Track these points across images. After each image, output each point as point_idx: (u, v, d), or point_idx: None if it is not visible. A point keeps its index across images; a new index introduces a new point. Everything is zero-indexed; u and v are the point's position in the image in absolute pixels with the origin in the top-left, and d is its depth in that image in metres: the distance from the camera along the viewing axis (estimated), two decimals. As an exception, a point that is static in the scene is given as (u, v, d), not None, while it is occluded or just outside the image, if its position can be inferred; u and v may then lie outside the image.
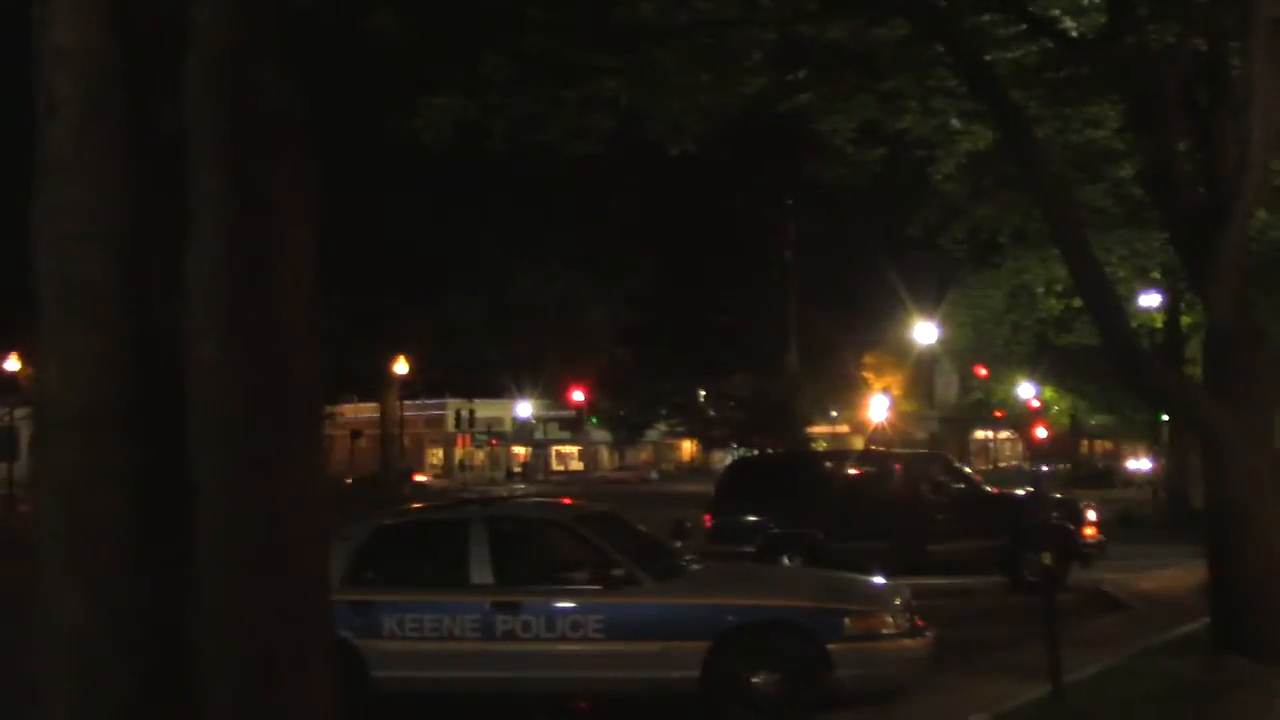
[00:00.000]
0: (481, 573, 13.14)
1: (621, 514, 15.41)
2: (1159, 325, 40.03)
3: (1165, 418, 44.45)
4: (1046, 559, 12.88)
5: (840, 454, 38.94)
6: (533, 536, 14.20)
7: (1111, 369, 19.36)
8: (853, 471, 26.92)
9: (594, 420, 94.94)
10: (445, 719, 13.87)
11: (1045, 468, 74.67)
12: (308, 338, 4.73)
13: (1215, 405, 13.78)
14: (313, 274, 4.76)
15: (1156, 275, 34.44)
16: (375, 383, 65.33)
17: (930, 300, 54.51)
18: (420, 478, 70.22)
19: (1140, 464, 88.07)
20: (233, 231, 4.53)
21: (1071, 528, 23.67)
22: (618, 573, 12.87)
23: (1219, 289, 13.92)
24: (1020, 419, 76.66)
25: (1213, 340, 14.41)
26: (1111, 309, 14.87)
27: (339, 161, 46.10)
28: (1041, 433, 74.39)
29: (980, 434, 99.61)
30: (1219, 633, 13.96)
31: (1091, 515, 24.51)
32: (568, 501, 18.56)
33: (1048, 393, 68.55)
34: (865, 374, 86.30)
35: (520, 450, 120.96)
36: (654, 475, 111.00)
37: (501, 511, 14.67)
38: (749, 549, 23.82)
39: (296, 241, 4.69)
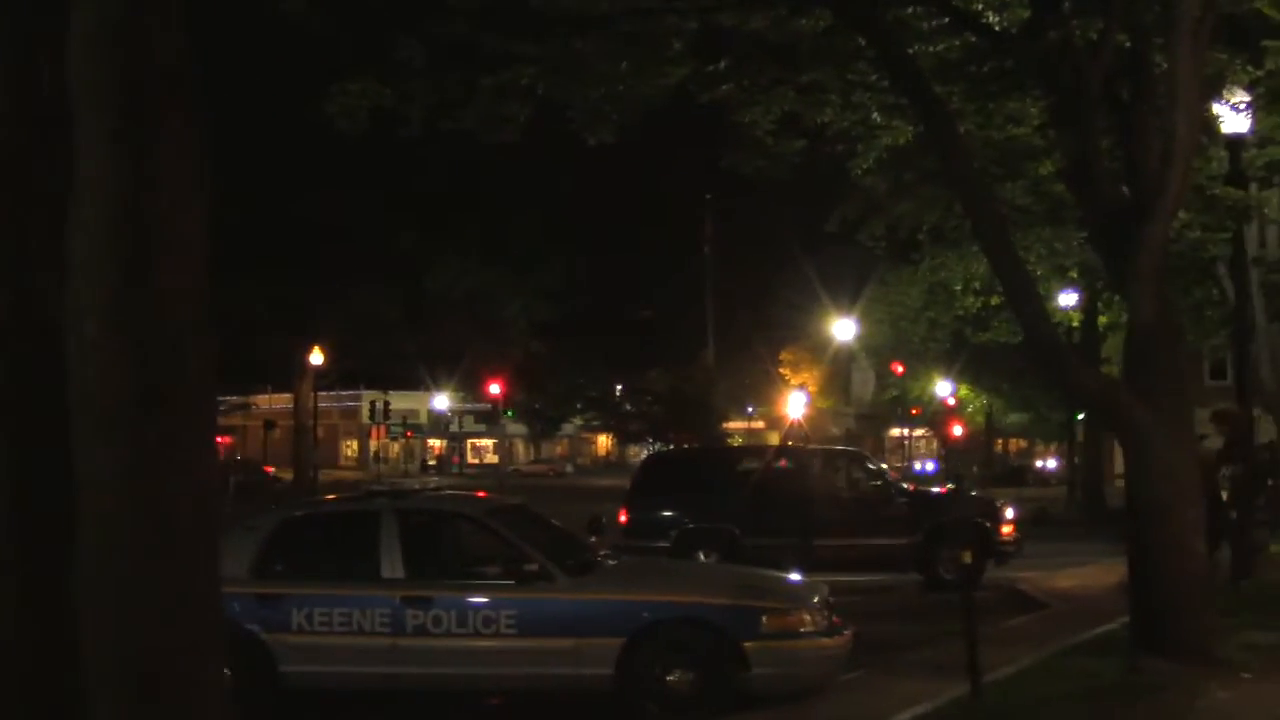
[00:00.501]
0: (392, 566, 12.83)
1: (535, 508, 15.16)
2: (1076, 324, 40.22)
3: (1081, 416, 44.73)
4: (967, 557, 12.71)
5: (756, 449, 38.79)
6: (444, 530, 13.94)
7: (1031, 365, 19.32)
8: (769, 467, 26.78)
9: (509, 413, 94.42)
10: (357, 715, 13.52)
11: (919, 466, 74.42)
12: (199, 320, 4.42)
13: (1137, 403, 13.69)
14: (204, 249, 4.44)
15: (1074, 274, 34.61)
16: (289, 373, 64.55)
17: (848, 297, 54.60)
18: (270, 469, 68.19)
19: (1049, 463, 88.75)
20: (117, 198, 4.22)
21: (989, 525, 23.58)
22: (530, 568, 12.58)
23: (1140, 287, 13.81)
24: (936, 417, 76.98)
25: (1134, 338, 14.30)
26: (1032, 305, 14.73)
27: (250, 148, 45.70)
28: (957, 430, 74.72)
29: (896, 431, 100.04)
30: (1138, 633, 13.86)
31: (1009, 513, 24.49)
32: (481, 495, 18.24)
33: (963, 390, 68.89)
34: (782, 370, 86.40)
35: (435, 443, 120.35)
36: (569, 469, 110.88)
37: (413, 504, 14.34)
38: (664, 544, 23.63)
39: (186, 212, 4.37)
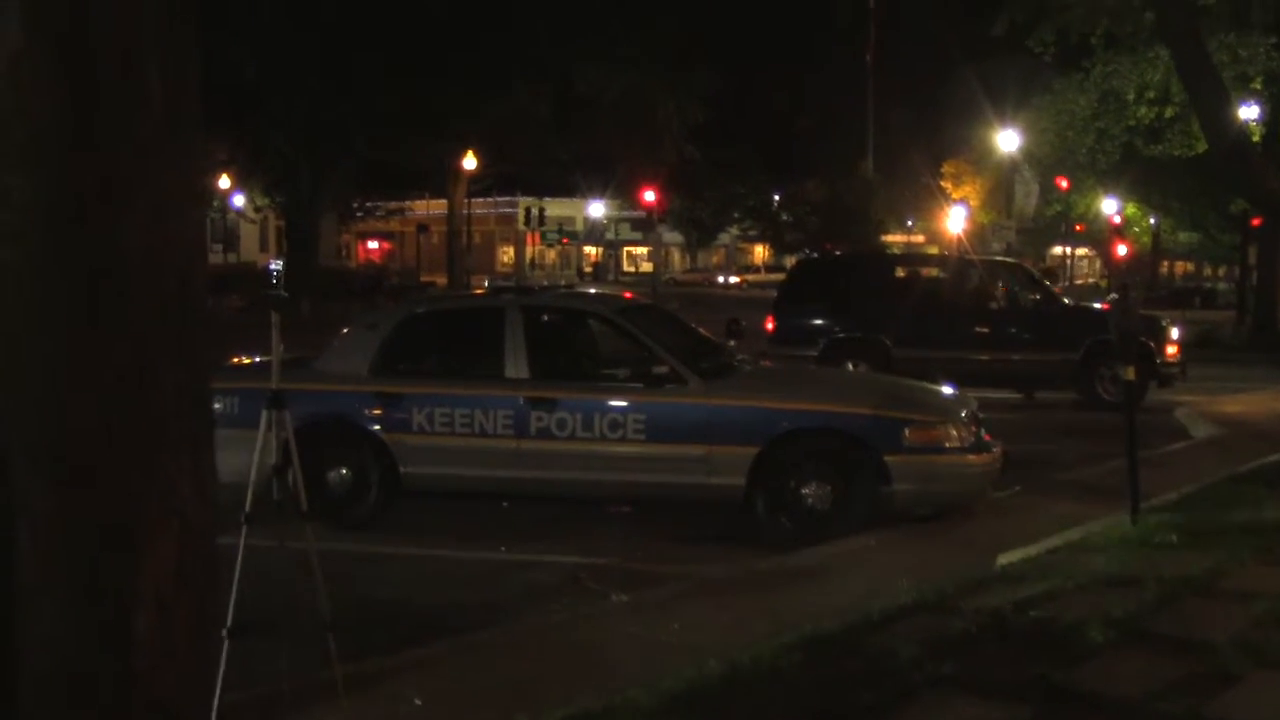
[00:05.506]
0: (516, 366, 12.25)
1: (668, 308, 14.42)
2: (1256, 139, 38.24)
3: (1257, 225, 42.71)
4: (1130, 374, 11.70)
5: (913, 257, 37.52)
6: (572, 328, 13.30)
7: (1217, 169, 17.93)
8: (926, 276, 25.73)
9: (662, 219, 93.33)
10: (478, 517, 13.01)
11: None
12: (166, 37, 3.50)
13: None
14: None
15: (1258, 85, 32.83)
16: (442, 178, 64.06)
17: (1013, 107, 52.65)
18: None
19: (1218, 286, 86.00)
20: None
21: (1152, 345, 22.30)
22: (661, 370, 11.91)
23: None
24: (1101, 235, 74.68)
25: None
26: (1221, 104, 13.53)
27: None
28: (1122, 250, 72.45)
29: (1058, 249, 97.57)
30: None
31: (1175, 334, 23.22)
32: (628, 296, 17.52)
33: (1130, 209, 66.65)
34: (943, 183, 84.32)
35: (591, 250, 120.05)
36: (724, 280, 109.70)
37: (539, 301, 13.51)
38: (811, 353, 22.85)
39: None
